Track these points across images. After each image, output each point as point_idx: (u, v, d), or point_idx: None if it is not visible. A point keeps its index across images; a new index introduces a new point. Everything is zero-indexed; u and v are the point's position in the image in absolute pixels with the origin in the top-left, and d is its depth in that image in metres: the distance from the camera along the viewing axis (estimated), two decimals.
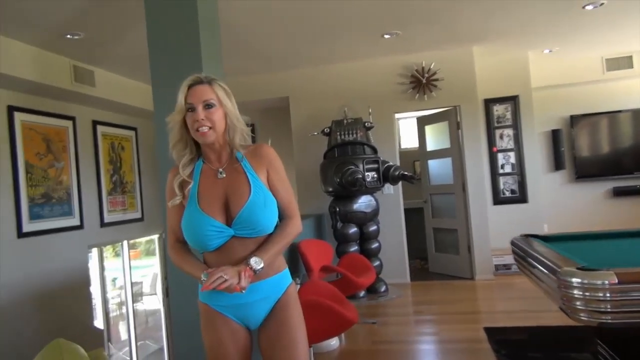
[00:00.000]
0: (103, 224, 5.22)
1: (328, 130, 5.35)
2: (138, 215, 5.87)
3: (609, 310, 2.02)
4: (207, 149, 1.71)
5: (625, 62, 6.01)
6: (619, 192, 6.33)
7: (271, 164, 1.75)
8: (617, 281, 1.99)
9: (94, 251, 5.32)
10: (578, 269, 2.12)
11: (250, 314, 1.69)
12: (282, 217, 1.77)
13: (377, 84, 5.76)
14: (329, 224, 5.34)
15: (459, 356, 3.40)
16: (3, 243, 3.97)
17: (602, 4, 4.41)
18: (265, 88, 6.13)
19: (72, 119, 4.88)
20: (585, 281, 2.03)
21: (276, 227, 1.72)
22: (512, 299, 4.80)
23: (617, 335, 2.77)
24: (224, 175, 1.70)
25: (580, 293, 2.06)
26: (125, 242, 5.76)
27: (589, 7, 4.50)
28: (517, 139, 6.03)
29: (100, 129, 5.32)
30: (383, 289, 5.21)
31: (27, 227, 4.22)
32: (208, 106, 1.66)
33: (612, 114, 6.37)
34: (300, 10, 4.10)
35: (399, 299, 5.06)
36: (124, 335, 6.03)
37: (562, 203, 6.36)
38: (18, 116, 4.24)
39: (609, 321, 2.04)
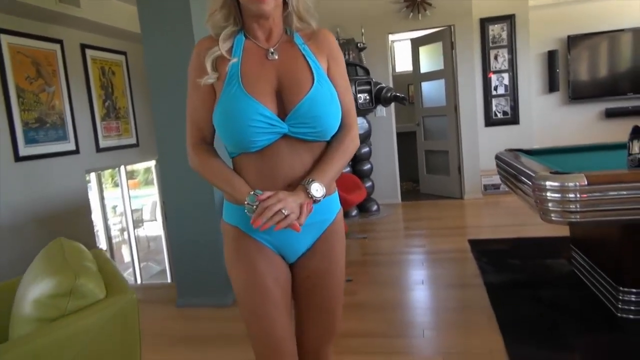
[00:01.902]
0: (99, 149, 5.29)
1: None
2: (133, 141, 5.92)
3: (578, 210, 2.14)
4: (254, 23, 1.27)
5: None
6: (611, 114, 6.36)
7: (332, 53, 1.34)
8: (586, 182, 2.10)
9: (92, 176, 5.43)
10: (551, 173, 2.23)
11: (293, 242, 1.30)
12: (340, 125, 1.33)
13: (370, 3, 5.62)
14: None
15: (444, 264, 3.60)
16: (1, 167, 4.06)
17: None
18: None
19: (60, 42, 4.80)
20: (557, 183, 2.14)
21: (331, 139, 1.32)
22: (498, 215, 4.99)
23: (587, 240, 2.93)
24: (276, 57, 1.27)
25: (553, 195, 2.17)
26: (122, 167, 5.86)
27: None
28: (512, 60, 5.97)
29: (89, 52, 5.24)
30: (374, 208, 5.38)
31: (23, 151, 4.29)
32: None
33: (612, 34, 6.24)
34: None
35: (389, 217, 5.25)
36: (127, 258, 6.30)
37: (553, 125, 6.41)
38: (5, 38, 4.17)
39: (578, 220, 2.17)
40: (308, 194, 1.19)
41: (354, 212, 5.24)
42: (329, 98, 1.25)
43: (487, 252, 3.71)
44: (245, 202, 1.18)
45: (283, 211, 1.13)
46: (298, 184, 1.22)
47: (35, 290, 1.36)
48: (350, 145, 1.31)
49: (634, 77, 6.24)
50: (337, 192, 1.38)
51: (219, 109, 1.23)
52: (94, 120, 5.24)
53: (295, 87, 1.23)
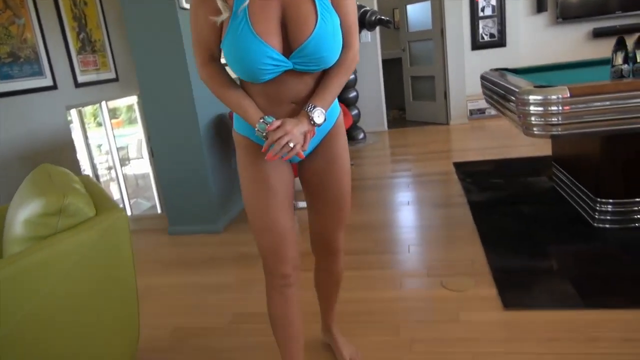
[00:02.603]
0: (78, 85, 5.14)
1: None
2: (112, 75, 5.75)
3: (560, 122, 2.17)
4: None
5: None
6: (598, 33, 6.27)
7: None
8: (569, 95, 2.11)
9: (74, 115, 5.32)
10: (535, 87, 2.23)
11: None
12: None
13: None
14: None
15: (429, 186, 3.67)
16: None
17: None
18: None
19: None
20: (540, 97, 2.15)
21: None
22: (483, 139, 5.04)
23: (568, 156, 2.99)
24: None
25: (536, 109, 2.19)
26: (103, 103, 5.74)
27: None
28: None
29: None
30: (361, 136, 5.39)
31: None
32: None
33: None
34: None
35: (376, 144, 5.28)
36: (116, 195, 6.32)
37: (541, 46, 6.32)
38: None
39: (559, 133, 2.20)
40: (311, 121, 1.27)
41: None
42: (332, 34, 1.26)
43: (471, 173, 3.78)
44: (256, 129, 1.28)
45: (290, 144, 1.23)
46: (302, 103, 1.31)
47: (24, 211, 1.38)
48: (351, 65, 1.37)
49: None
50: (336, 100, 1.44)
51: (226, 43, 1.25)
52: (69, 54, 5.06)
53: (301, 26, 1.24)
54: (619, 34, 6.11)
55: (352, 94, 5.31)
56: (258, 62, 1.22)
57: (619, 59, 2.25)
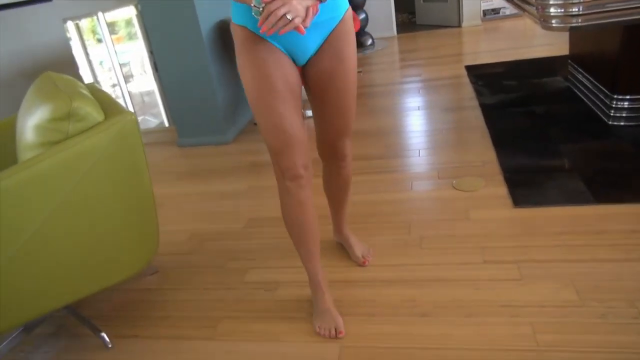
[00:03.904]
0: None
1: None
2: None
3: (580, 13, 2.05)
4: None
5: None
6: None
7: None
8: None
9: (72, 28, 5.14)
10: None
11: (301, 43, 1.31)
12: None
13: None
14: None
15: (440, 90, 3.59)
16: None
17: None
18: None
19: None
20: None
21: None
22: (496, 41, 4.84)
23: (585, 53, 2.88)
24: None
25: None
26: (100, 15, 5.52)
27: None
28: None
29: None
30: (369, 42, 5.20)
31: None
32: None
33: None
34: None
35: (384, 50, 5.10)
36: None
37: None
38: None
39: (579, 24, 2.09)
40: None
41: None
42: None
43: (483, 75, 3.67)
44: (252, 4, 1.14)
45: (287, 16, 1.10)
46: None
47: (33, 118, 1.37)
48: None
49: None
50: None
51: None
52: None
53: None
54: None
55: None
56: None
57: None
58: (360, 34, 5.09)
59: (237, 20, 1.30)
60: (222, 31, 3.29)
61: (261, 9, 1.13)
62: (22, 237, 1.29)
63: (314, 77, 1.39)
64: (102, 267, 1.50)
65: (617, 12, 2.01)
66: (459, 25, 5.56)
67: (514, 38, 4.67)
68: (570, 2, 2.03)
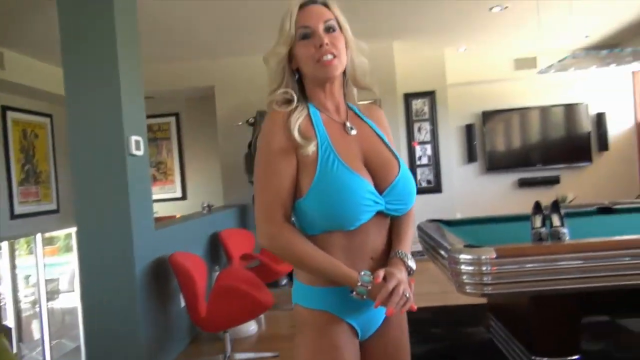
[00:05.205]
0: (13, 216, 4.98)
1: (253, 121, 5.40)
2: (53, 206, 5.63)
3: (490, 282, 2.25)
4: (321, 93, 1.26)
5: (530, 63, 6.49)
6: (523, 183, 6.88)
7: (386, 127, 1.36)
8: (495, 256, 2.23)
9: (4, 245, 5.05)
10: (464, 246, 2.35)
11: (375, 317, 1.26)
12: None
13: None
14: (254, 214, 5.40)
15: None
16: None
17: (506, 7, 4.78)
18: (190, 76, 6.07)
19: None
20: (469, 257, 2.26)
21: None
22: (422, 283, 5.08)
23: (502, 309, 3.07)
24: (355, 132, 1.27)
25: (466, 268, 2.29)
26: (39, 235, 5.50)
27: (496, 10, 4.86)
28: (434, 133, 6.39)
29: (10, 115, 5.04)
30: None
31: None
32: (329, 29, 1.22)
33: (522, 111, 6.88)
34: (221, 0, 4.12)
35: None
36: (37, 335, 5.76)
37: (473, 193, 6.81)
38: None
39: (490, 292, 2.28)
40: (407, 268, 1.20)
41: (284, 281, 5.18)
42: (410, 177, 1.28)
43: (410, 321, 3.75)
44: (359, 284, 1.13)
45: (406, 294, 1.12)
46: (379, 259, 1.23)
47: None
48: (414, 215, 1.34)
49: (542, 150, 6.85)
50: None
51: (320, 186, 1.15)
52: (10, 185, 4.96)
53: (387, 164, 1.25)
54: (541, 184, 6.74)
55: None
56: (361, 197, 1.14)
57: (537, 222, 2.45)
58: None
59: (311, 304, 1.22)
60: (159, 269, 3.31)
61: (369, 288, 1.12)
62: None
63: (378, 350, 1.29)
64: None
65: (522, 284, 2.23)
66: None
67: (438, 281, 4.95)
68: (480, 271, 2.25)
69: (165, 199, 7.31)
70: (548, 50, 6.14)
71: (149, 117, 6.77)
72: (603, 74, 6.32)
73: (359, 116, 1.33)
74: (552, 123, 6.83)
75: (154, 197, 6.91)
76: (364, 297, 1.13)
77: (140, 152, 3.10)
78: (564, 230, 2.30)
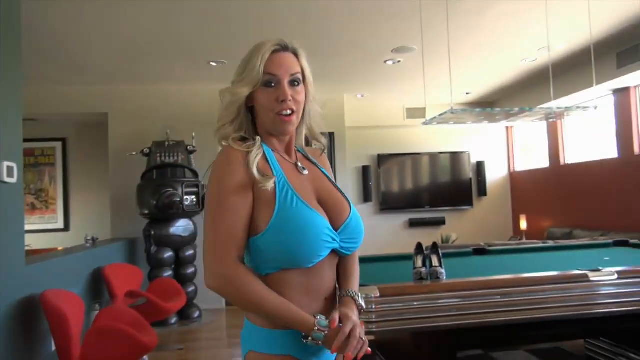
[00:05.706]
0: None
1: (148, 151, 5.19)
2: None
3: (374, 320, 2.33)
4: (274, 138, 1.28)
5: (420, 113, 7.01)
6: (413, 223, 7.31)
7: (330, 170, 1.41)
8: (379, 294, 2.32)
9: None
10: None
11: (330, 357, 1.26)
12: None
13: (203, 110, 5.67)
14: (144, 248, 5.12)
15: None
16: None
17: (399, 61, 5.17)
18: (81, 101, 5.72)
19: None
20: None
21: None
22: None
23: (390, 344, 3.18)
24: (307, 173, 1.29)
25: None
26: None
27: (389, 63, 5.23)
28: (332, 172, 6.59)
29: None
30: (197, 314, 5.14)
31: None
32: (294, 82, 1.24)
33: (413, 155, 7.37)
34: (117, 25, 3.98)
35: (212, 324, 5.04)
36: None
37: (368, 231, 6.71)
38: None
39: (375, 330, 2.35)
40: (358, 307, 1.21)
41: (173, 320, 4.92)
42: (358, 214, 1.32)
43: None
44: (316, 329, 1.09)
45: (362, 337, 1.11)
46: (330, 299, 1.23)
47: None
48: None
49: (431, 193, 7.37)
50: None
51: (279, 222, 1.14)
52: None
53: (339, 204, 1.28)
54: (429, 225, 7.20)
55: (191, 270, 5.19)
56: (321, 233, 1.15)
57: (419, 261, 2.60)
58: (187, 306, 5.04)
59: (271, 349, 1.16)
60: (29, 308, 2.98)
61: (325, 332, 1.09)
62: None
63: None
64: None
65: (404, 322, 2.33)
66: None
67: None
68: (367, 310, 2.32)
69: (44, 230, 6.69)
70: (435, 103, 6.71)
71: (31, 140, 6.34)
72: (483, 126, 7.02)
73: (307, 158, 1.37)
74: (440, 168, 7.39)
75: (32, 227, 6.40)
76: (319, 342, 1.11)
77: (13, 180, 2.82)
78: (442, 270, 2.46)
